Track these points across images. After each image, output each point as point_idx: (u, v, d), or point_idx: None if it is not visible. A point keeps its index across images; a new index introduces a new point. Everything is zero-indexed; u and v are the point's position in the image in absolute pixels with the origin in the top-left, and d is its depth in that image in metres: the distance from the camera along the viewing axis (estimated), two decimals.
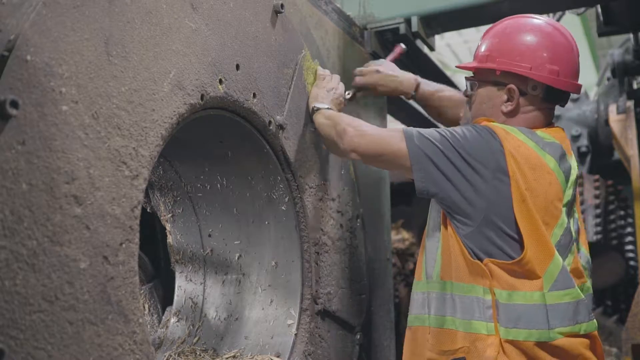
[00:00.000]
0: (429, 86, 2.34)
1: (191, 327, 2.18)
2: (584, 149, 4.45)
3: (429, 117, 2.61)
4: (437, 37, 2.95)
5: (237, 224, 2.16)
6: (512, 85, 1.88)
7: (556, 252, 1.73)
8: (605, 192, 4.34)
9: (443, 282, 1.82)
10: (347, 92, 2.22)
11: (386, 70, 2.32)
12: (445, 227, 1.83)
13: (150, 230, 2.59)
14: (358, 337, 2.28)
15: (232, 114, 1.83)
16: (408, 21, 2.69)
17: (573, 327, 1.73)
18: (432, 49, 2.91)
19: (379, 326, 2.51)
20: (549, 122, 1.94)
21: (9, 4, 1.17)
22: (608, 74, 4.42)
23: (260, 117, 1.90)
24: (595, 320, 1.81)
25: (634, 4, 2.83)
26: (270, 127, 1.94)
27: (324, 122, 2.02)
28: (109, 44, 1.35)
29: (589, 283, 1.88)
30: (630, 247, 4.26)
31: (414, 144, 1.80)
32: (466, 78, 2.01)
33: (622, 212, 4.34)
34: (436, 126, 2.23)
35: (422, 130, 1.84)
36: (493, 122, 1.88)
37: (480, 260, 1.74)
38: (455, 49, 10.10)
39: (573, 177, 1.88)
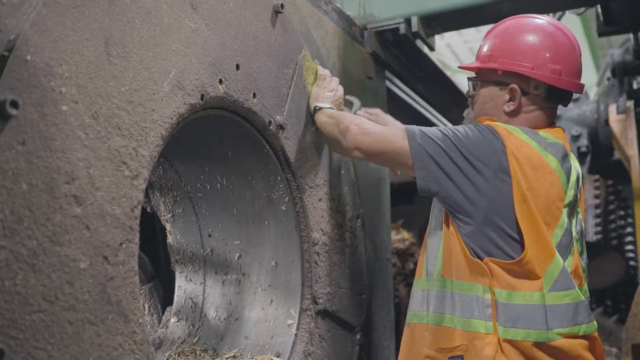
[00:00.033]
0: None
1: (191, 327, 2.18)
2: (584, 149, 4.45)
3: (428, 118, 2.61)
4: (437, 37, 2.96)
5: (237, 224, 2.16)
6: (514, 85, 1.88)
7: (557, 253, 1.73)
8: (605, 192, 4.34)
9: (443, 280, 1.82)
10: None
11: (379, 120, 2.38)
12: (447, 226, 1.83)
13: (150, 230, 2.59)
14: (358, 337, 2.28)
15: (232, 114, 1.83)
16: (408, 21, 2.69)
17: (572, 329, 1.73)
18: (432, 49, 2.91)
19: (379, 326, 2.51)
20: (551, 122, 1.94)
21: (9, 4, 1.17)
22: (608, 74, 4.42)
23: (260, 117, 1.90)
24: (595, 321, 1.81)
25: (634, 4, 2.84)
26: (270, 127, 1.94)
27: (326, 120, 2.02)
28: (109, 44, 1.35)
29: (586, 286, 1.87)
30: (630, 247, 4.27)
31: (416, 142, 1.81)
32: (468, 78, 2.02)
33: (622, 212, 4.34)
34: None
35: (425, 129, 1.84)
36: (495, 121, 1.88)
37: (481, 259, 1.74)
38: (455, 49, 10.10)
39: (574, 177, 1.88)
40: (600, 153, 4.54)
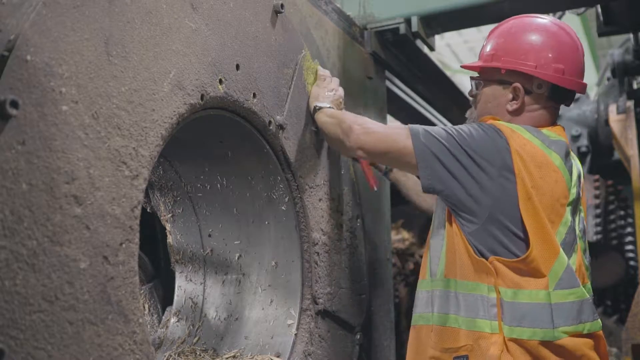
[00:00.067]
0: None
1: (191, 327, 2.18)
2: (584, 149, 4.45)
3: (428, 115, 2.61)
4: (437, 37, 2.96)
5: (237, 224, 2.16)
6: (517, 84, 1.88)
7: (561, 251, 1.73)
8: (605, 192, 4.35)
9: (447, 280, 1.81)
10: None
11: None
12: (450, 225, 1.83)
13: (150, 230, 2.59)
14: (358, 337, 2.28)
15: (232, 114, 1.83)
16: (408, 21, 2.69)
17: (577, 327, 1.72)
18: (432, 49, 2.91)
19: (379, 326, 2.51)
20: (554, 121, 1.95)
21: (9, 4, 1.17)
22: (608, 74, 4.42)
23: (260, 117, 1.90)
24: (599, 320, 1.80)
25: (634, 4, 2.84)
26: (270, 127, 1.94)
27: (327, 120, 2.02)
28: (109, 44, 1.35)
29: (589, 284, 1.88)
30: (630, 247, 4.27)
31: (420, 141, 1.80)
32: (471, 77, 2.02)
33: (622, 212, 4.34)
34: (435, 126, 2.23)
35: (428, 128, 1.84)
36: (499, 120, 1.88)
37: (485, 258, 1.74)
38: (455, 49, 10.10)
39: (576, 175, 1.88)
40: (600, 153, 4.54)
